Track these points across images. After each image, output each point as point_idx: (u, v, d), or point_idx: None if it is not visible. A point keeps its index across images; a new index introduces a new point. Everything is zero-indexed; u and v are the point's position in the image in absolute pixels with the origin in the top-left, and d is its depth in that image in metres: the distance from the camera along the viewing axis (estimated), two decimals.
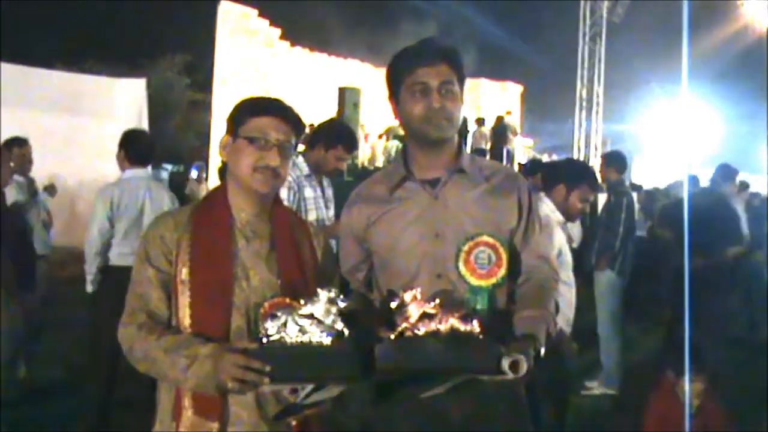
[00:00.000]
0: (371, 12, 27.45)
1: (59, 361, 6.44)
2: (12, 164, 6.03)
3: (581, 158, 21.65)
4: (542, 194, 4.26)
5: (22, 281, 4.96)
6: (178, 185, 15.26)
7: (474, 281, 2.19)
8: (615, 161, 7.04)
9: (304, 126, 2.32)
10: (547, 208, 4.17)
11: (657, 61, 26.06)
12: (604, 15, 21.49)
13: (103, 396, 4.81)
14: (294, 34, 26.76)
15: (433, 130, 2.31)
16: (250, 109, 2.25)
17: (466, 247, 2.21)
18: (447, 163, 2.39)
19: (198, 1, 25.80)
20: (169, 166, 21.89)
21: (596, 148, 21.95)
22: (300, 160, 4.41)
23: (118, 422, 4.90)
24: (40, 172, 6.83)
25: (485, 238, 2.22)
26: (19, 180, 6.05)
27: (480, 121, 20.95)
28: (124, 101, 12.46)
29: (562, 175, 4.31)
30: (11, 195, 5.68)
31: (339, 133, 4.60)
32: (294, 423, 2.14)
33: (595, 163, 21.50)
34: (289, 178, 4.24)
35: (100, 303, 4.77)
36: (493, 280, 2.20)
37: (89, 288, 4.87)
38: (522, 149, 22.00)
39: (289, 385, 2.01)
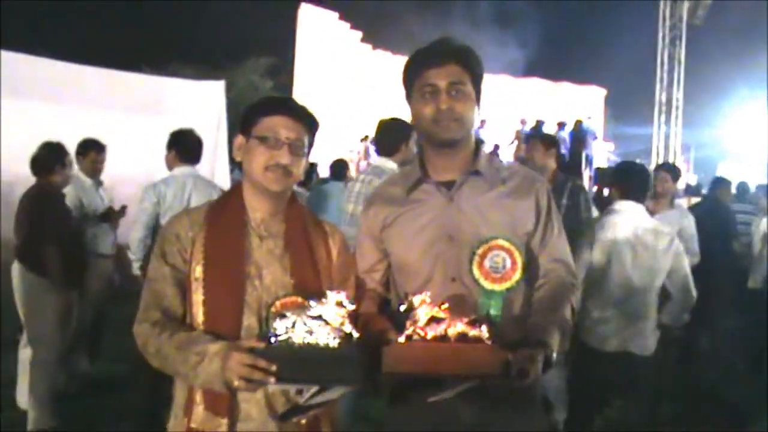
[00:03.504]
0: (454, 14, 27.33)
1: (124, 357, 6.59)
2: (83, 166, 6.22)
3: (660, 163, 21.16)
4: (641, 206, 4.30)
5: (71, 278, 5.13)
6: None
7: (487, 285, 2.15)
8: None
9: (317, 124, 2.31)
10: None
11: (744, 64, 25.25)
12: (684, 17, 20.94)
13: (151, 392, 4.88)
14: (376, 37, 26.90)
15: (442, 131, 2.29)
16: (261, 109, 2.26)
17: (480, 251, 2.17)
18: (462, 164, 2.37)
19: (280, 4, 26.11)
20: None
21: (675, 153, 21.40)
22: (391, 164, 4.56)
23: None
24: (121, 174, 6.99)
25: (500, 242, 2.17)
26: (85, 181, 6.17)
27: (560, 125, 20.65)
28: (202, 104, 12.66)
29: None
30: (71, 195, 5.85)
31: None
32: (303, 422, 2.14)
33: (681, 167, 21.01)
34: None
35: None
36: (507, 285, 2.15)
37: (136, 271, 5.08)
38: (602, 154, 21.61)
39: (294, 385, 2.02)
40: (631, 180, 4.46)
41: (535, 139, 5.68)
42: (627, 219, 4.23)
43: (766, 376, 6.07)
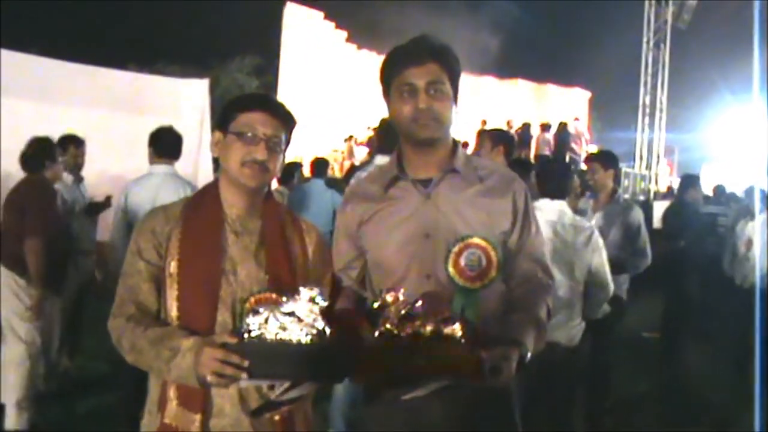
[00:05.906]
0: (439, 15, 27.36)
1: (105, 355, 6.56)
2: (64, 162, 6.17)
3: (643, 166, 21.27)
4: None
5: (51, 277, 5.08)
6: None
7: (462, 283, 2.16)
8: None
9: (294, 121, 2.32)
10: None
11: (728, 67, 25.39)
12: (669, 20, 21.01)
13: (133, 391, 4.83)
14: (361, 37, 26.92)
15: (421, 130, 2.29)
16: (238, 104, 2.27)
17: (455, 249, 2.17)
18: (440, 162, 2.37)
19: (265, 3, 26.08)
20: None
21: (659, 156, 21.49)
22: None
23: None
24: (104, 172, 6.96)
25: (475, 240, 2.18)
26: (66, 177, 6.11)
27: (545, 127, 20.70)
28: (186, 102, 12.60)
29: None
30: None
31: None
32: (277, 418, 2.15)
33: (660, 170, 21.13)
34: None
35: None
36: (482, 283, 2.16)
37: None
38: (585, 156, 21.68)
39: (266, 381, 2.02)
40: (546, 176, 4.49)
41: (484, 134, 5.26)
42: (543, 215, 4.21)
43: (758, 375, 6.06)
